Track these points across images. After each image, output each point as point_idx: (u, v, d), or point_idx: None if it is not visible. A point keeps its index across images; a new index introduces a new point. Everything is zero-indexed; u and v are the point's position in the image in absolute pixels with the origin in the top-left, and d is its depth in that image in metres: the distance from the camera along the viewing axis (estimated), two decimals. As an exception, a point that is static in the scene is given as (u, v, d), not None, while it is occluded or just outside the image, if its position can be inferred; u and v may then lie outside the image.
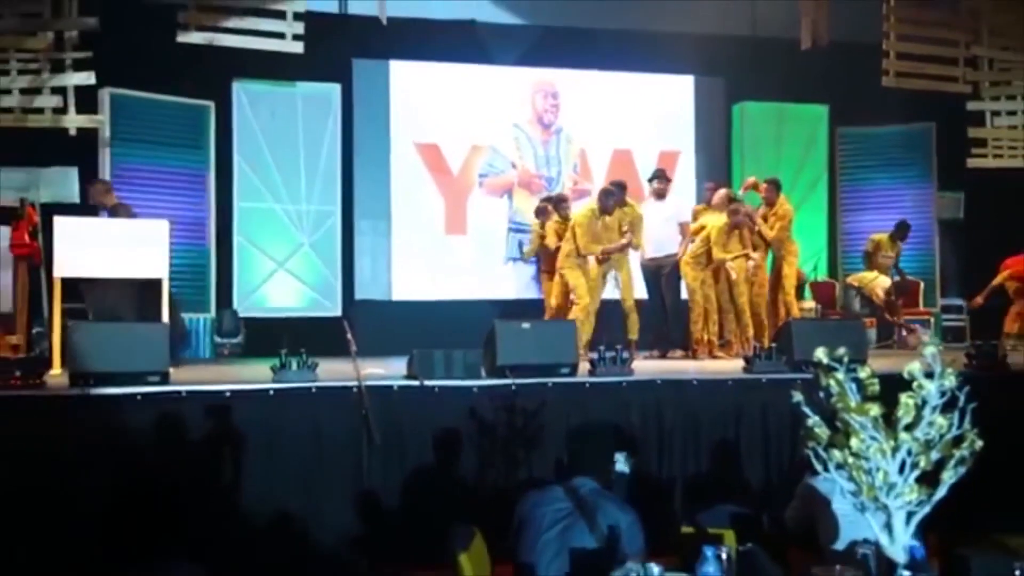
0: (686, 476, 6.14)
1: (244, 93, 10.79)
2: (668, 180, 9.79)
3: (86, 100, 9.09)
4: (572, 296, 8.94)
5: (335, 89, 11.07)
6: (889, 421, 2.72)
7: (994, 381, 6.63)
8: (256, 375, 6.49)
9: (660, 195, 9.60)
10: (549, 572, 3.65)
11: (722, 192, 9.69)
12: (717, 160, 11.91)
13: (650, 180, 9.82)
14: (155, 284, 7.64)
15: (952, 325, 11.33)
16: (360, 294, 11.00)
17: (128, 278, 7.65)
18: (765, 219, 9.58)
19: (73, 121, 8.96)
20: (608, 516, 3.71)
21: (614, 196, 9.06)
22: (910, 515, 2.74)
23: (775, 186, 9.71)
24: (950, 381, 2.70)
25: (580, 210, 9.30)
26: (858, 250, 11.74)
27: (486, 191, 11.53)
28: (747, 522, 4.60)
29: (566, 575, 3.60)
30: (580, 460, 3.99)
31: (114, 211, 8.19)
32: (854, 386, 2.76)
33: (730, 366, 7.65)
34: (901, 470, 2.71)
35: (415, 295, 11.10)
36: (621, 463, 5.61)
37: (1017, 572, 2.88)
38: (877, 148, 12.41)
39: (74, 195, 9.63)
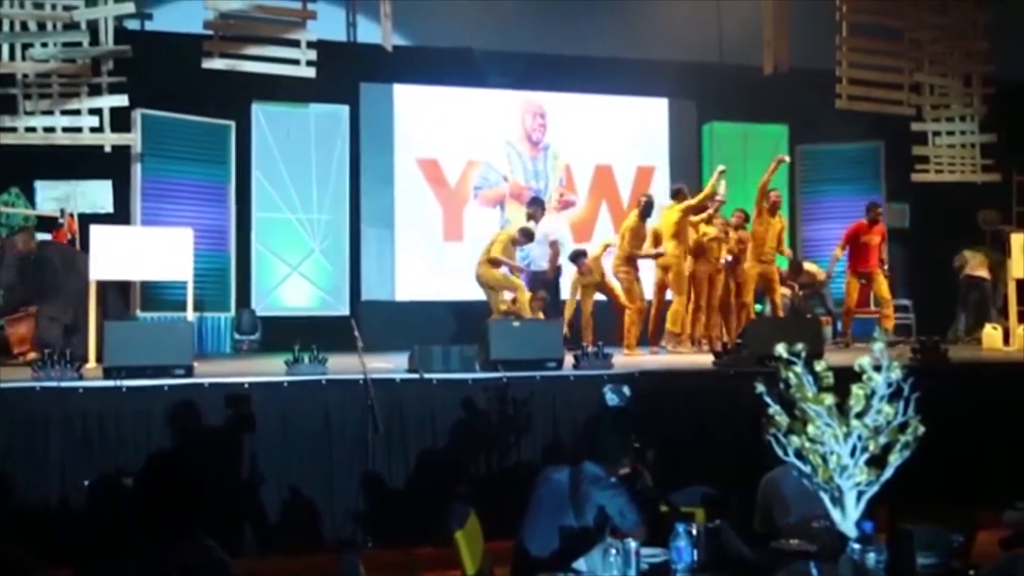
0: (661, 459, 6.12)
1: (262, 114, 10.74)
2: (540, 205, 9.62)
3: (120, 120, 9.10)
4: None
5: (344, 110, 11.03)
6: (842, 409, 2.72)
7: (936, 374, 6.64)
8: (272, 368, 6.47)
9: (532, 218, 9.46)
10: (541, 551, 3.62)
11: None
12: (689, 175, 11.85)
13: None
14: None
15: (899, 322, 11.30)
16: (366, 295, 10.95)
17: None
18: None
19: (108, 139, 8.98)
20: (599, 500, 3.65)
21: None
22: (860, 494, 2.75)
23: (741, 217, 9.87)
24: (896, 373, 2.71)
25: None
26: (816, 256, 11.73)
27: (480, 202, 11.51)
28: (716, 501, 4.57)
29: (554, 552, 3.58)
30: (592, 446, 3.90)
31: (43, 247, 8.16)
32: (811, 378, 2.77)
33: (700, 360, 7.65)
34: (852, 453, 2.72)
35: (416, 296, 11.05)
36: (611, 394, 5.53)
37: (954, 543, 2.89)
38: (832, 164, 12.42)
39: (109, 206, 9.65)
